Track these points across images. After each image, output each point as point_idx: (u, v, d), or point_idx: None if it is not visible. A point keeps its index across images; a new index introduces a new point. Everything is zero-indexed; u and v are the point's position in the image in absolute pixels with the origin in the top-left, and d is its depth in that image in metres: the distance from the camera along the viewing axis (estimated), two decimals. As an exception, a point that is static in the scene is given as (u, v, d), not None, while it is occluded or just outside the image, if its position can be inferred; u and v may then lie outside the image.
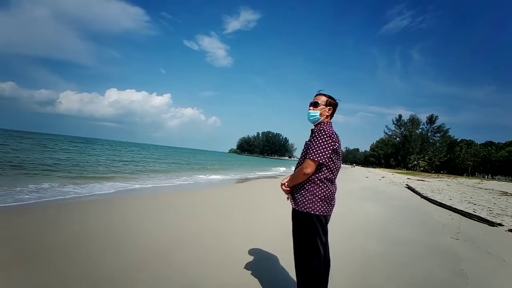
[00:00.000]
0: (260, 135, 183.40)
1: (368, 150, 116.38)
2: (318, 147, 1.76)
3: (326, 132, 1.78)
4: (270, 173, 23.84)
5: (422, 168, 70.69)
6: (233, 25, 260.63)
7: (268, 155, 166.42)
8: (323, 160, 1.77)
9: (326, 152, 1.76)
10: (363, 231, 4.51)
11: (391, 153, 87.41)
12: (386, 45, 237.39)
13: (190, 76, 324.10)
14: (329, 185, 1.82)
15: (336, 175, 1.89)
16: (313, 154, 1.76)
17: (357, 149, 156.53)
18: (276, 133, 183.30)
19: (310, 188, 1.80)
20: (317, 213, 1.78)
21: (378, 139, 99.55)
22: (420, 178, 26.06)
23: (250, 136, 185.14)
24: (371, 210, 6.69)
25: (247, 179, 15.49)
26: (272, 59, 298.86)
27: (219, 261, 2.85)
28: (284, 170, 29.88)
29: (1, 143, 24.27)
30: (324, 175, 1.80)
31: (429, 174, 44.26)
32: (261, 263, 2.86)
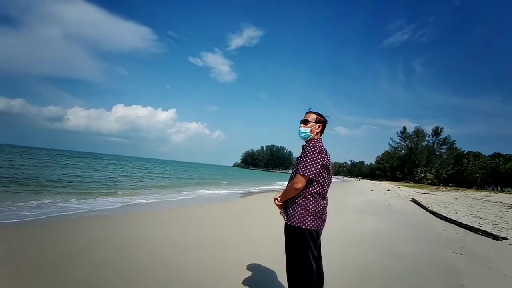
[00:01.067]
0: (264, 149, 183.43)
1: (373, 162, 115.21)
2: (308, 162, 1.82)
3: (316, 148, 1.85)
4: (274, 187, 23.67)
5: (429, 181, 69.35)
6: (236, 41, 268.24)
7: (272, 169, 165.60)
8: (313, 175, 1.82)
9: (316, 168, 1.82)
10: (363, 244, 4.45)
11: (397, 166, 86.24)
12: (388, 57, 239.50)
13: (194, 91, 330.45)
14: (320, 199, 1.87)
15: (327, 190, 1.94)
16: (303, 169, 1.82)
17: (363, 162, 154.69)
18: (280, 147, 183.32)
19: (302, 202, 1.85)
20: (309, 227, 1.82)
21: (383, 152, 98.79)
22: (427, 191, 25.56)
23: (254, 150, 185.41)
24: (373, 223, 6.59)
25: (250, 193, 15.41)
26: (275, 73, 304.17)
27: (219, 267, 2.85)
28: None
29: (9, 158, 24.75)
30: (315, 190, 1.85)
31: (437, 187, 43.37)
32: (260, 277, 2.86)
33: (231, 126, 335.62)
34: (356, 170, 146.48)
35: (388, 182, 61.10)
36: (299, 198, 1.86)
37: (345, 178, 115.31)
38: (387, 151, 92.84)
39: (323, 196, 1.91)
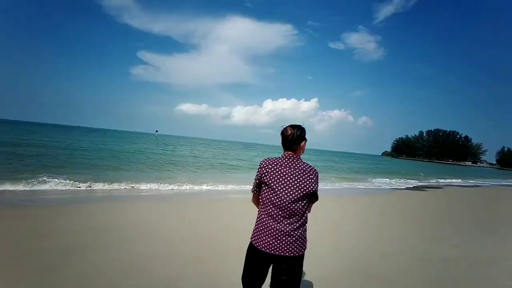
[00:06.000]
0: (425, 134, 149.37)
1: None
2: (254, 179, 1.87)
3: (260, 164, 1.82)
4: (422, 183, 19.25)
5: None
6: (385, 11, 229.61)
7: (437, 159, 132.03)
8: (253, 191, 1.88)
9: (254, 184, 1.86)
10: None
11: None
12: None
13: (336, 78, 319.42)
14: (264, 217, 1.75)
15: (276, 212, 1.71)
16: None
17: None
18: (450, 131, 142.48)
19: (257, 214, 1.87)
20: (251, 238, 1.81)
21: None
22: None
23: (409, 136, 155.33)
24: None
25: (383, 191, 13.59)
26: (440, 38, 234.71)
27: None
28: (454, 182, 23.03)
29: (199, 149, 35.50)
30: (261, 207, 1.81)
31: None
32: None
33: (380, 111, 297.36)
34: None
35: None
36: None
37: None
38: None
39: (270, 215, 1.72)
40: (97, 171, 10.76)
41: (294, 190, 1.70)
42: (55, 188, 7.14)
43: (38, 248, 3.36)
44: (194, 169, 15.45)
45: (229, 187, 10.05)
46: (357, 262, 3.60)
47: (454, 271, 3.57)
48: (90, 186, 7.64)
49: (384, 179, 19.11)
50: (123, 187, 8.10)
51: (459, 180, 25.39)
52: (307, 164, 1.77)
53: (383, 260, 3.73)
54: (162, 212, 5.84)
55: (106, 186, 7.89)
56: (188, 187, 9.27)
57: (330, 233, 4.98)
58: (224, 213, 6.07)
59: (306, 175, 1.72)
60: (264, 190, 1.78)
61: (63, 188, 7.23)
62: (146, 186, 8.52)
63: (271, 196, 1.74)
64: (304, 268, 2.98)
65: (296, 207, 1.70)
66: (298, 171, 1.73)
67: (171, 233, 4.29)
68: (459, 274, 3.50)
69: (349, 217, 6.56)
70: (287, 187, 1.71)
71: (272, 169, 1.75)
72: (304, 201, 1.72)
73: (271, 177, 1.74)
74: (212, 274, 2.96)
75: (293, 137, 1.78)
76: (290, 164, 1.75)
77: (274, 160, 1.79)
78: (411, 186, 16.69)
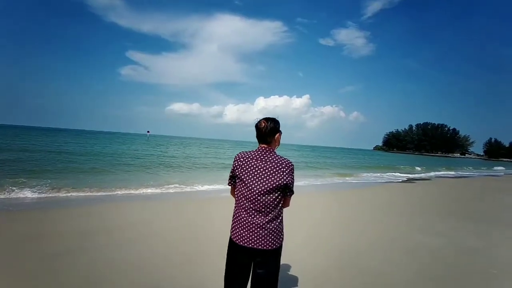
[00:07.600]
0: (414, 128, 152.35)
1: None
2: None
3: (234, 158, 1.83)
4: (412, 175, 19.71)
5: None
6: (373, 7, 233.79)
7: (426, 152, 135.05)
8: (229, 185, 1.89)
9: (229, 178, 1.87)
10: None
11: None
12: None
13: (327, 74, 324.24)
14: (238, 210, 1.76)
15: (248, 205, 1.71)
16: None
17: None
18: (439, 124, 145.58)
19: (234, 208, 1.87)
20: (230, 233, 1.81)
21: None
22: None
23: (399, 130, 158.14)
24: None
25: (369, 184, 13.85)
26: (429, 32, 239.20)
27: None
28: (440, 174, 23.63)
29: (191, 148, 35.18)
30: (235, 201, 1.82)
31: None
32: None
33: (371, 106, 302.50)
34: None
35: None
36: None
37: None
38: None
39: (243, 208, 1.73)
40: (83, 174, 10.48)
41: (264, 183, 1.68)
42: (34, 195, 6.67)
43: (37, 250, 3.34)
44: (185, 169, 15.32)
45: (221, 186, 10.01)
46: (346, 256, 3.65)
47: (440, 261, 3.67)
48: (74, 191, 7.34)
49: (377, 173, 19.47)
50: (114, 191, 7.86)
51: (452, 172, 26.09)
52: (281, 157, 1.74)
53: (372, 253, 3.77)
54: (158, 212, 5.79)
55: (94, 191, 7.60)
56: (180, 187, 9.17)
57: (320, 227, 5.07)
58: (220, 213, 6.07)
59: (278, 168, 1.70)
60: (237, 183, 1.78)
61: (44, 195, 6.79)
62: (138, 189, 8.32)
63: (243, 189, 1.74)
64: (292, 262, 3.10)
65: (266, 200, 1.68)
66: (270, 164, 1.71)
67: (171, 234, 4.27)
68: (445, 263, 3.59)
69: (343, 212, 6.67)
70: (257, 179, 1.69)
71: (245, 162, 1.75)
72: (276, 194, 1.69)
73: (242, 170, 1.74)
74: (212, 273, 2.97)
75: (267, 130, 1.76)
76: (262, 157, 1.73)
77: (247, 153, 1.79)
78: (405, 179, 17.07)
